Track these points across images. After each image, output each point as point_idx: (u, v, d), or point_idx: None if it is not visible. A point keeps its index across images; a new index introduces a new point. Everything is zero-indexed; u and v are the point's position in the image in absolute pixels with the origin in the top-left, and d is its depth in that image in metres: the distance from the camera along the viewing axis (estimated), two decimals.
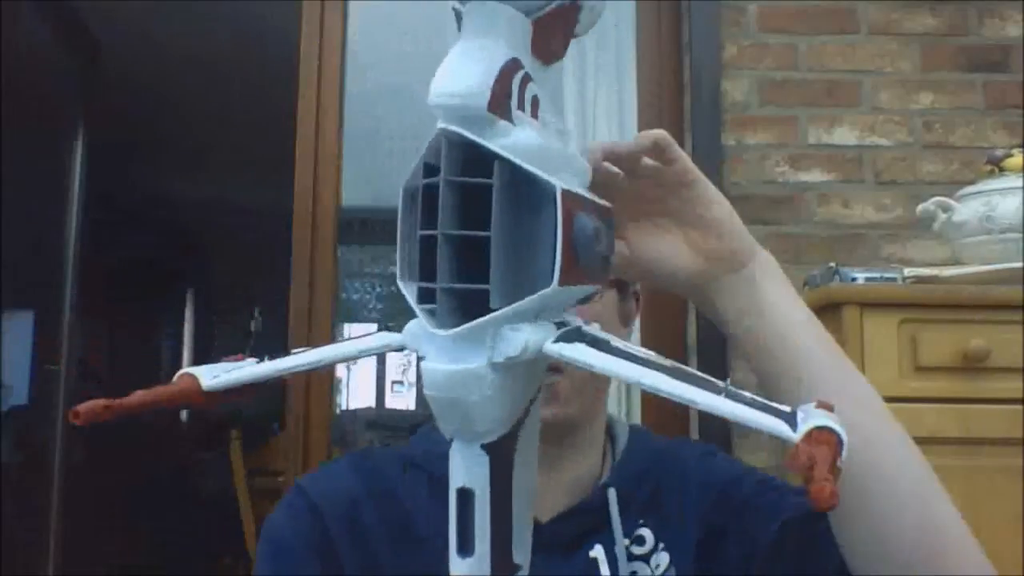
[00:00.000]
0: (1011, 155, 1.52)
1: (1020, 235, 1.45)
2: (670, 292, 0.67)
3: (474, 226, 0.34)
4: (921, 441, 1.15)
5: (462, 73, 0.34)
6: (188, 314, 5.81)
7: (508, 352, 0.34)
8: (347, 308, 5.42)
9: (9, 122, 2.37)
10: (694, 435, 1.80)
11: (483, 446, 0.36)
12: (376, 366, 5.82)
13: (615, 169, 0.56)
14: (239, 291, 5.82)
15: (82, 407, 0.40)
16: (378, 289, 5.57)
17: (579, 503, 0.69)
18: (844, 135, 1.87)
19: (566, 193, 0.35)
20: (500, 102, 0.34)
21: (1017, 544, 1.28)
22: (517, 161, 0.34)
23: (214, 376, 0.44)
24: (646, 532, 0.69)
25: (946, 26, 1.90)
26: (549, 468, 0.67)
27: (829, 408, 0.34)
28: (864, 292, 1.38)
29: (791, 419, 0.33)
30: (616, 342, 0.38)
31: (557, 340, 0.36)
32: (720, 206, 0.58)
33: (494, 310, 0.34)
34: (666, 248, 0.59)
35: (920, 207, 1.56)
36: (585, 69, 2.04)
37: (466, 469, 0.37)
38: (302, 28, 2.02)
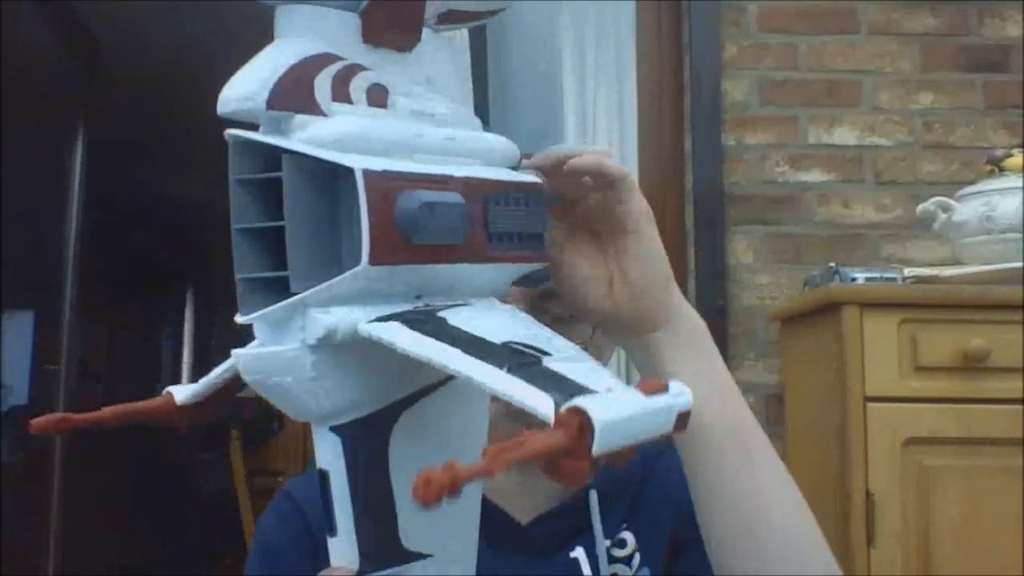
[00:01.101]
0: (1011, 155, 1.52)
1: (1020, 235, 1.45)
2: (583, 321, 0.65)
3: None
4: (921, 441, 1.16)
5: (243, 79, 0.36)
6: (188, 314, 5.81)
7: (316, 334, 0.35)
8: None
9: (9, 122, 2.37)
10: None
11: (332, 428, 0.37)
12: None
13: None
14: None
15: (36, 420, 0.41)
16: None
17: (560, 505, 0.69)
18: (844, 135, 1.87)
19: (377, 173, 0.35)
20: (291, 98, 0.35)
21: (1017, 544, 1.27)
22: (303, 150, 0.35)
23: (190, 392, 0.44)
24: (627, 535, 0.69)
25: (946, 26, 1.90)
26: (528, 469, 0.67)
27: (656, 388, 0.32)
28: (864, 292, 1.38)
29: (566, 398, 0.30)
30: (461, 318, 0.37)
31: (380, 320, 0.35)
32: (646, 269, 0.55)
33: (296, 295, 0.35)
34: (590, 276, 0.56)
35: (920, 207, 1.56)
36: (585, 69, 2.04)
37: (321, 451, 0.37)
38: None
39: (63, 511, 2.90)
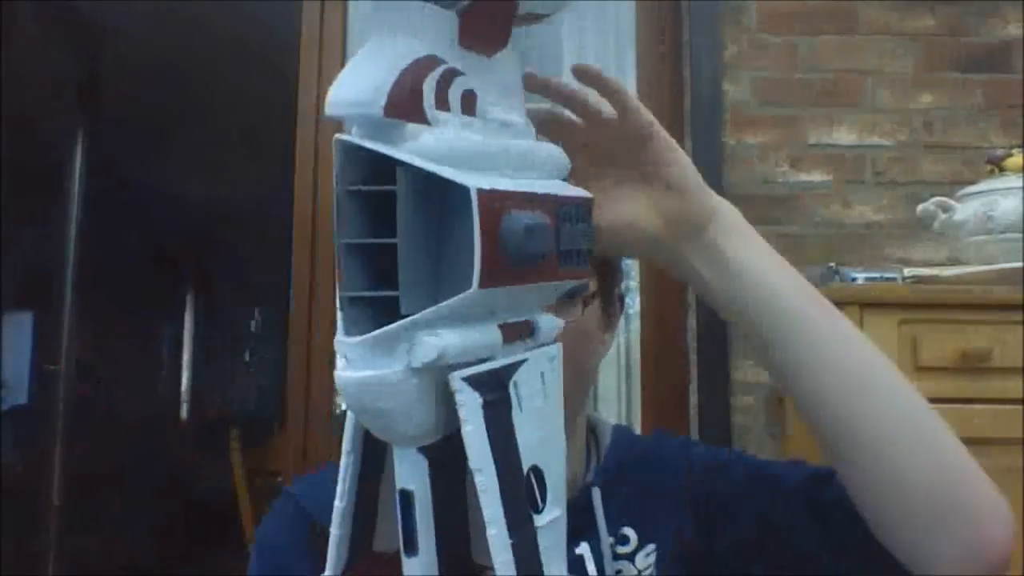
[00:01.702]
0: (1011, 155, 1.52)
1: (1020, 235, 1.45)
2: (632, 257, 0.65)
3: (394, 234, 0.34)
4: None
5: (356, 80, 0.34)
6: (188, 314, 5.81)
7: (424, 358, 0.34)
8: None
9: (9, 122, 2.36)
10: (694, 435, 1.80)
11: (420, 449, 0.36)
12: None
13: (565, 113, 0.55)
14: (239, 291, 5.82)
15: None
16: None
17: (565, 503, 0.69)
18: (844, 135, 1.87)
19: (487, 192, 0.34)
20: (404, 105, 0.34)
21: (1017, 544, 1.27)
22: (419, 164, 0.33)
23: None
24: (630, 531, 0.69)
25: (946, 26, 1.90)
26: None
27: None
28: (864, 292, 1.38)
29: None
30: (532, 405, 0.38)
31: (470, 379, 0.35)
32: (680, 165, 0.57)
33: (406, 316, 0.34)
34: (627, 211, 0.57)
35: (920, 207, 1.56)
36: None
37: (405, 472, 0.37)
38: (302, 28, 2.02)
39: (63, 511, 2.90)
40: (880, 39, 1.89)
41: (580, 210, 0.42)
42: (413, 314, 0.34)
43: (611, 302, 0.75)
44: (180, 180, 4.73)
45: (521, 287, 0.37)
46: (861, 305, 1.35)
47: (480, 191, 0.34)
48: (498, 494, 0.35)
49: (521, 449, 0.37)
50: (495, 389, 0.36)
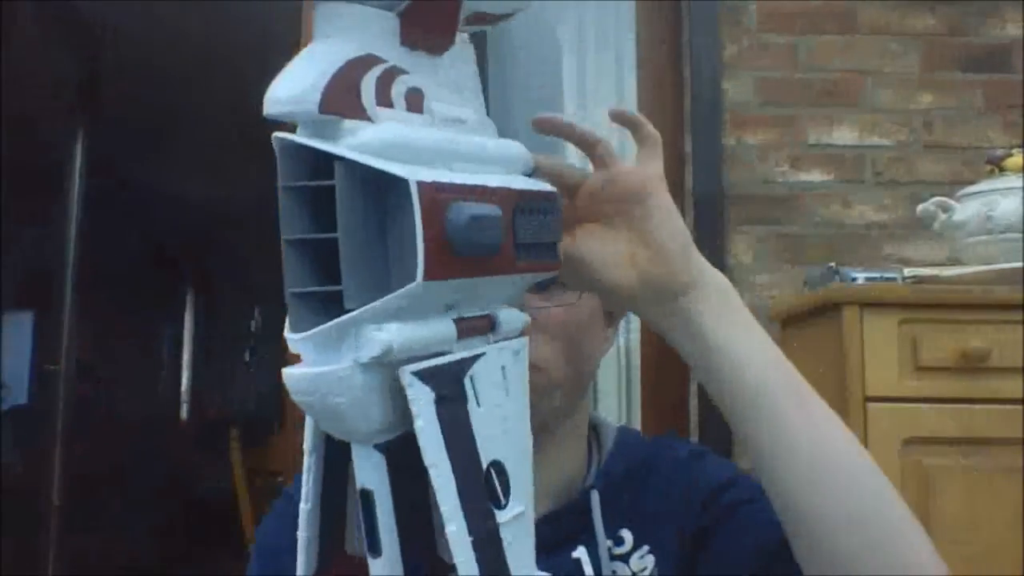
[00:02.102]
0: (1011, 155, 1.51)
1: (1020, 235, 1.45)
2: (608, 306, 0.65)
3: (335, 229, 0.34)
4: (921, 441, 1.15)
5: (292, 80, 0.35)
6: (188, 314, 5.81)
7: (370, 352, 0.34)
8: None
9: (9, 122, 2.36)
10: (693, 436, 1.80)
11: (379, 447, 0.36)
12: None
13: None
14: (239, 291, 5.81)
15: None
16: None
17: (561, 506, 0.69)
18: (844, 135, 1.87)
19: (429, 184, 0.34)
20: (341, 102, 0.34)
21: (1017, 544, 1.27)
22: (354, 157, 0.34)
23: None
24: (626, 533, 0.69)
25: (946, 26, 1.90)
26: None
27: None
28: (864, 292, 1.38)
29: None
30: (479, 394, 0.37)
31: (418, 373, 0.35)
32: (670, 229, 0.55)
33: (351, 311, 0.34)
34: (608, 256, 0.55)
35: (920, 207, 1.56)
36: (585, 69, 2.04)
37: (364, 471, 0.37)
38: (302, 28, 2.01)
39: (63, 511, 2.90)
40: (880, 39, 1.89)
41: (543, 203, 0.42)
42: (358, 309, 0.34)
43: None
44: (180, 180, 4.73)
45: (475, 280, 0.37)
46: (861, 305, 1.35)
47: (421, 183, 0.34)
48: (454, 490, 0.34)
49: (480, 444, 0.36)
50: (449, 383, 0.36)
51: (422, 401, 0.34)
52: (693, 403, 1.83)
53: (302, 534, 0.39)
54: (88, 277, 3.07)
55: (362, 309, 0.34)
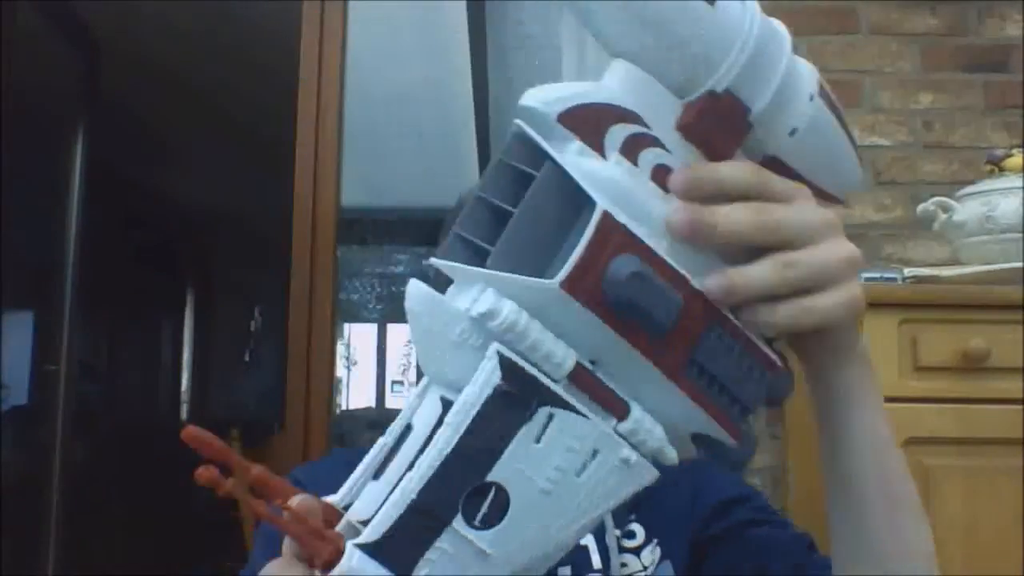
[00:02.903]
0: (1011, 155, 1.51)
1: (1020, 235, 1.45)
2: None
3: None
4: (921, 441, 1.15)
5: (558, 88, 0.38)
6: (188, 314, 5.81)
7: (480, 308, 0.35)
8: (347, 308, 5.41)
9: (9, 122, 2.36)
10: None
11: (443, 398, 0.37)
12: (376, 366, 5.82)
13: None
14: (239, 291, 5.81)
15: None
16: (378, 289, 5.56)
17: None
18: None
19: (617, 224, 0.36)
20: (581, 126, 0.37)
21: (1017, 544, 1.27)
22: (566, 167, 0.36)
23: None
24: (637, 527, 0.69)
25: (946, 26, 1.90)
26: None
27: None
28: (864, 292, 1.38)
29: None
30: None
31: (507, 361, 0.35)
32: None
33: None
34: None
35: (920, 207, 1.56)
36: (585, 69, 2.03)
37: (421, 408, 0.38)
38: (302, 28, 2.02)
39: (63, 512, 2.90)
40: (880, 39, 1.89)
41: (749, 356, 0.39)
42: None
43: None
44: (180, 180, 4.73)
45: (625, 345, 0.36)
46: None
47: (608, 214, 0.35)
48: (436, 463, 0.34)
49: (501, 463, 0.35)
50: (522, 390, 0.35)
51: (485, 377, 0.35)
52: None
53: (361, 467, 0.41)
54: (88, 277, 3.06)
55: (493, 272, 0.35)
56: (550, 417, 0.36)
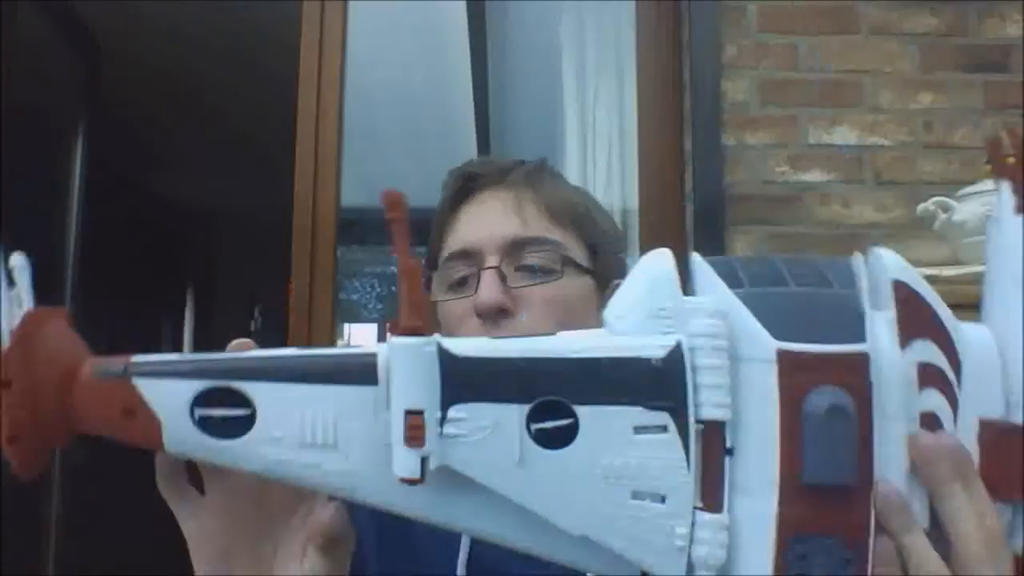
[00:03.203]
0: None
1: None
2: None
3: None
4: None
5: (911, 267, 0.39)
6: (188, 314, 5.81)
7: (712, 306, 0.36)
8: (347, 308, 5.41)
9: (9, 122, 2.36)
10: None
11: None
12: None
13: None
14: (239, 291, 5.81)
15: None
16: (378, 289, 5.56)
17: None
18: (844, 135, 1.87)
19: (867, 369, 0.35)
20: (903, 307, 0.37)
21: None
22: (867, 317, 0.36)
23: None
24: None
25: (946, 26, 1.90)
26: None
27: None
28: None
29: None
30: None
31: (681, 347, 0.35)
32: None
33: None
34: None
35: (920, 207, 1.56)
36: (585, 69, 2.04)
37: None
38: (302, 28, 2.01)
39: (63, 512, 2.90)
40: (880, 39, 1.89)
41: (849, 567, 0.35)
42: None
43: (605, 282, 0.76)
44: (180, 181, 4.74)
45: (774, 443, 0.35)
46: None
47: (867, 356, 0.35)
48: (556, 357, 0.35)
49: (601, 409, 0.35)
50: (665, 387, 0.35)
51: (656, 343, 0.35)
52: None
53: None
54: (88, 277, 3.06)
55: (737, 301, 0.36)
56: (664, 429, 0.34)
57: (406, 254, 0.36)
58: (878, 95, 1.88)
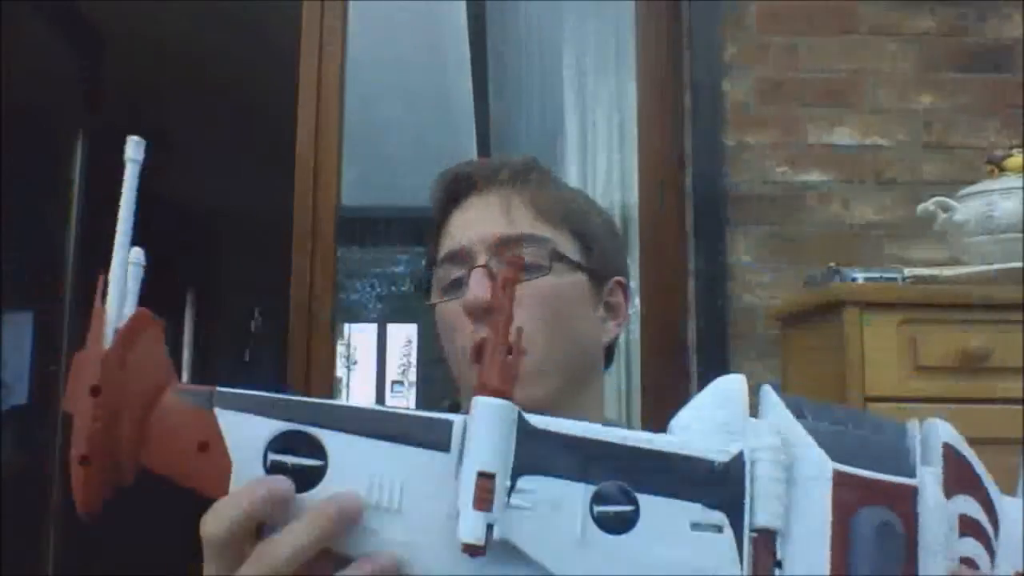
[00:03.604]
0: (1011, 155, 1.51)
1: (1020, 235, 1.45)
2: None
3: None
4: None
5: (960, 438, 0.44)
6: (188, 314, 5.81)
7: (779, 427, 0.40)
8: (347, 308, 5.42)
9: (9, 122, 2.36)
10: None
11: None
12: (376, 366, 5.82)
13: None
14: (239, 291, 5.81)
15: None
16: (378, 289, 5.57)
17: None
18: (844, 135, 1.87)
19: (912, 496, 0.38)
20: (951, 469, 0.41)
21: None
22: (918, 471, 0.40)
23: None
24: None
25: (946, 26, 1.90)
26: None
27: None
28: (864, 292, 1.38)
29: None
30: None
31: (742, 458, 0.38)
32: None
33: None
34: None
35: (920, 207, 1.56)
36: (585, 69, 2.04)
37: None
38: (302, 28, 2.01)
39: (63, 512, 2.90)
40: (880, 39, 1.89)
41: None
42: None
43: (601, 287, 0.75)
44: (180, 181, 4.73)
45: (823, 543, 0.37)
46: (861, 305, 1.35)
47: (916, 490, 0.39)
48: (625, 442, 0.37)
49: (663, 501, 0.37)
50: (725, 494, 0.37)
51: (716, 446, 0.38)
52: None
53: None
54: (88, 277, 3.06)
55: (802, 431, 0.39)
56: (719, 529, 0.36)
57: (507, 328, 0.37)
58: (878, 95, 1.88)
